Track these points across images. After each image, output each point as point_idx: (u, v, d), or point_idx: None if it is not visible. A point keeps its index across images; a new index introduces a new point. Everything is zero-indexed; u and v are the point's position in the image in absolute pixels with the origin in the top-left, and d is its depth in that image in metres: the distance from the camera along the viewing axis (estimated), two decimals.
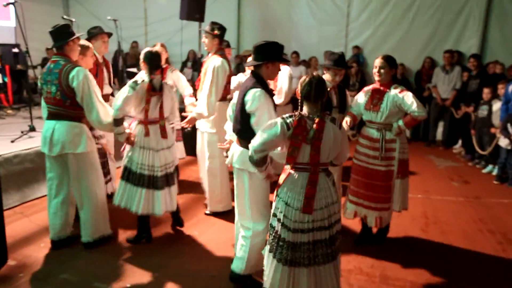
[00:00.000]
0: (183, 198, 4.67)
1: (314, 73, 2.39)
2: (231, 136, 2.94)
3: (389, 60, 3.40)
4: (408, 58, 8.04)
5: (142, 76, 3.39)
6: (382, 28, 8.24)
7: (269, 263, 2.40)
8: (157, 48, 4.62)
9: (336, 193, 2.41)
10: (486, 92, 6.06)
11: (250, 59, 2.99)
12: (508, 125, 5.27)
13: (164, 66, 4.71)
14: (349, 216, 3.59)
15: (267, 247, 2.45)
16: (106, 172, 3.97)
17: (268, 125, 2.33)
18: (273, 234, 2.39)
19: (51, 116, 3.22)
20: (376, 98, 3.43)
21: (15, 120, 6.23)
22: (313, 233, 2.31)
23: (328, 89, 3.27)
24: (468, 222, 4.26)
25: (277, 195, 2.40)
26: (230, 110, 2.94)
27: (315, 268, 2.31)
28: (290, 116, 2.32)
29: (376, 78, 3.45)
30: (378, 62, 3.42)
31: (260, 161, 2.38)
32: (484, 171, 6.02)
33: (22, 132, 5.00)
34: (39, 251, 3.34)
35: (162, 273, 3.09)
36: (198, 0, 7.75)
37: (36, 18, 8.25)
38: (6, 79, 7.21)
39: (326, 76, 3.56)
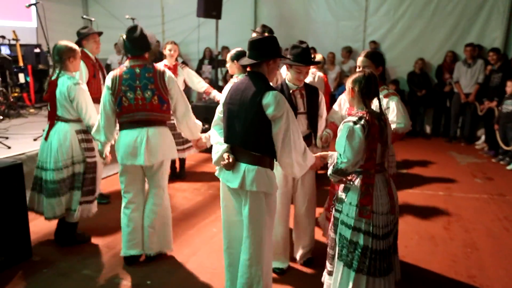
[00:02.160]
0: (202, 195, 4.70)
1: (366, 70, 2.37)
2: (224, 150, 2.37)
3: (373, 58, 2.97)
4: (428, 52, 7.87)
5: None
6: (401, 22, 8.06)
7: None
8: (169, 46, 4.83)
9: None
10: (509, 86, 5.88)
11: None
12: None
13: (174, 63, 4.84)
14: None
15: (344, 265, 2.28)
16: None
17: (345, 133, 2.18)
18: (358, 250, 2.23)
19: (139, 124, 2.98)
20: None
21: (37, 118, 6.36)
22: (390, 238, 2.35)
23: (291, 91, 2.94)
24: (493, 220, 4.15)
25: (359, 206, 2.23)
26: (218, 118, 2.54)
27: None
28: (359, 117, 2.21)
29: None
30: (360, 60, 2.98)
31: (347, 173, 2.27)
32: (509, 167, 5.84)
33: (43, 130, 5.09)
34: (61, 248, 3.40)
35: (181, 270, 3.11)
36: None
37: (57, 18, 8.39)
38: (28, 79, 7.38)
39: (288, 75, 3.00)
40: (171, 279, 2.98)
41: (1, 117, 6.13)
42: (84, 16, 6.71)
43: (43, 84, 7.86)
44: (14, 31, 7.46)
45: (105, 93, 3.00)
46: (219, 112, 2.53)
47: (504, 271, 3.17)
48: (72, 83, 3.15)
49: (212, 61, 8.80)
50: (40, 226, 3.73)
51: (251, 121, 2.24)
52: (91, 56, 4.06)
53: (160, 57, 9.32)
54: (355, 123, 2.17)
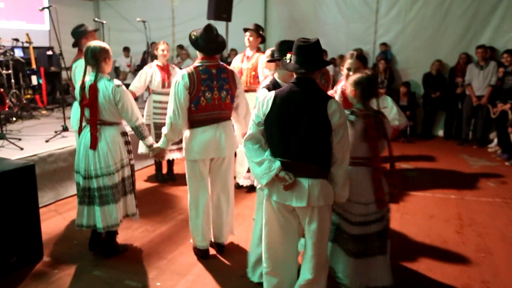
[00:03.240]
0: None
1: (368, 71, 2.51)
2: (279, 169, 2.17)
3: (362, 59, 3.09)
4: (441, 54, 7.78)
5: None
6: (412, 24, 7.99)
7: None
8: (161, 46, 4.88)
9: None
10: None
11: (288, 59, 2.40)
12: None
13: (165, 63, 4.93)
14: None
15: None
16: None
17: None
18: (334, 228, 2.56)
19: (215, 121, 3.09)
20: (346, 103, 2.94)
21: (49, 120, 6.44)
22: (376, 224, 2.54)
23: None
24: (507, 224, 4.07)
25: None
26: (256, 131, 2.29)
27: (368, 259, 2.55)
28: (351, 111, 2.47)
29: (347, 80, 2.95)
30: (349, 62, 3.06)
31: None
32: None
33: (55, 132, 5.16)
34: (72, 249, 3.42)
35: (192, 272, 3.10)
36: (225, 0, 7.77)
37: (69, 21, 8.42)
38: (40, 81, 7.48)
39: (278, 73, 2.97)
40: (181, 281, 2.98)
41: (14, 119, 6.22)
42: (96, 19, 6.79)
43: (55, 86, 7.97)
44: (27, 34, 7.58)
45: (182, 92, 2.96)
46: (256, 124, 2.27)
47: None
48: (115, 85, 3.03)
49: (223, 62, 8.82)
50: (51, 227, 3.77)
51: (315, 132, 2.13)
52: None
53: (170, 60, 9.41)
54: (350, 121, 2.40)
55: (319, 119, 2.12)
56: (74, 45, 3.91)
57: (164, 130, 3.11)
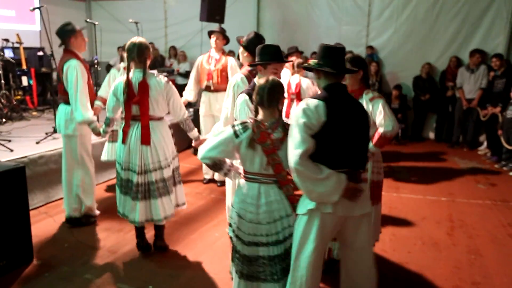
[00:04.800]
0: (204, 199, 4.68)
1: (271, 77, 2.27)
2: (345, 180, 2.03)
3: (354, 62, 2.83)
4: (431, 57, 7.86)
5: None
6: (404, 27, 8.07)
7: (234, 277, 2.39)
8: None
9: (290, 206, 2.27)
10: None
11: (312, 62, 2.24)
12: None
13: None
14: None
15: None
16: None
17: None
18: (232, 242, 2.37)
19: None
20: None
21: (39, 121, 6.38)
22: (269, 248, 2.23)
23: None
24: (497, 226, 4.12)
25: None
26: (310, 144, 2.01)
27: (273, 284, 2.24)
28: (242, 124, 2.25)
29: None
30: None
31: None
32: None
33: (46, 133, 5.11)
34: (63, 251, 3.39)
35: (183, 274, 3.09)
36: (218, 2, 7.76)
37: (60, 21, 8.33)
38: (31, 82, 7.41)
39: (257, 79, 2.79)
40: (173, 284, 2.96)
41: (4, 120, 6.15)
42: (88, 20, 6.75)
43: (46, 87, 7.89)
44: (17, 34, 7.50)
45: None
46: (309, 136, 2.01)
47: (509, 279, 3.14)
48: (165, 81, 3.13)
49: None
50: (42, 230, 3.73)
51: (367, 138, 2.24)
52: (79, 55, 3.75)
53: (162, 61, 9.36)
54: (233, 126, 2.26)
55: (367, 125, 2.20)
56: (61, 45, 3.73)
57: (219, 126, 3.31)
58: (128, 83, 3.03)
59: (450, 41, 7.76)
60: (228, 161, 2.40)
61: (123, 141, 3.13)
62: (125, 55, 4.63)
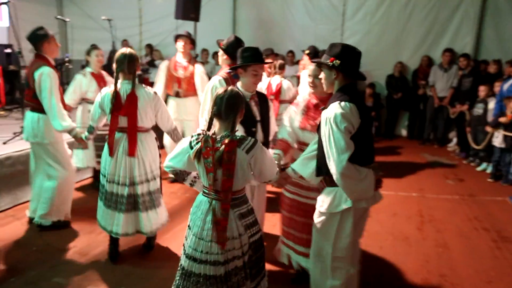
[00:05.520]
0: (179, 199, 4.65)
1: (230, 87, 2.15)
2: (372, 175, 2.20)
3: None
4: (404, 56, 8.05)
5: None
6: (377, 27, 8.22)
7: None
8: (96, 51, 4.58)
9: (242, 226, 2.14)
10: (482, 90, 6.06)
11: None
12: (501, 123, 5.27)
13: (99, 71, 4.68)
14: (283, 260, 3.04)
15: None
16: None
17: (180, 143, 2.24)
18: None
19: None
20: (311, 115, 2.76)
21: (7, 121, 6.16)
22: (207, 266, 2.10)
23: (248, 99, 2.83)
24: (463, 220, 4.26)
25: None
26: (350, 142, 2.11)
27: None
28: (197, 135, 2.14)
29: (311, 90, 2.82)
30: (312, 69, 2.75)
31: None
32: (479, 169, 6.03)
33: (14, 133, 4.95)
34: (30, 255, 3.29)
35: (157, 275, 3.06)
36: (193, 0, 7.70)
37: (30, 18, 8.16)
38: None
39: (244, 80, 2.84)
40: (146, 285, 2.93)
41: None
42: (58, 17, 6.58)
43: (14, 86, 7.64)
44: None
45: None
46: (349, 138, 2.10)
47: (473, 270, 3.26)
48: (153, 92, 3.14)
49: None
50: (8, 233, 3.62)
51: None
52: (51, 60, 3.60)
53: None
54: (191, 137, 2.16)
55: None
56: (34, 50, 3.55)
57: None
58: (116, 94, 3.00)
59: (421, 41, 7.96)
60: (193, 172, 2.32)
61: (111, 154, 3.09)
62: (91, 59, 4.53)
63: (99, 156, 4.21)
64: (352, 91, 2.19)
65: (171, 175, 4.65)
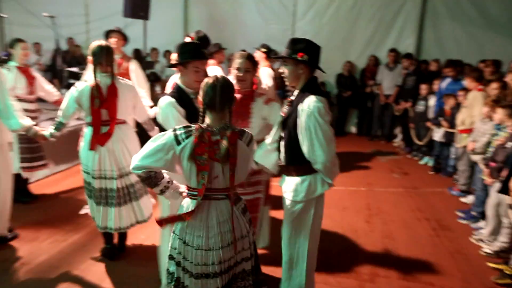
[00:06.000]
0: None
1: (219, 75, 1.98)
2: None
3: (253, 60, 2.84)
4: (352, 56, 8.34)
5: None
6: (327, 27, 8.46)
7: None
8: (21, 44, 4.12)
9: (248, 223, 2.03)
10: (423, 88, 6.42)
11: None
12: (440, 118, 5.63)
13: (25, 64, 4.32)
14: None
15: None
16: None
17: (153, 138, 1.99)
18: (173, 282, 1.95)
19: None
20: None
21: None
22: (222, 277, 1.89)
23: (194, 96, 2.62)
24: (407, 211, 4.51)
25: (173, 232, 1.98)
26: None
27: None
28: (185, 127, 1.92)
29: (238, 85, 2.79)
30: (239, 62, 2.77)
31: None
32: (421, 162, 6.40)
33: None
34: None
35: (109, 278, 2.98)
36: None
37: None
38: None
39: (184, 78, 2.60)
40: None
41: None
42: None
43: None
44: None
45: None
46: None
47: (416, 258, 3.48)
48: (131, 84, 3.20)
49: (140, 63, 8.53)
50: None
51: None
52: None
53: (83, 59, 8.85)
54: (174, 130, 1.91)
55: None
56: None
57: None
58: (96, 87, 2.96)
59: (368, 41, 8.29)
60: (166, 176, 2.05)
61: (93, 148, 3.01)
62: (15, 52, 4.09)
63: (25, 160, 4.08)
64: (318, 85, 2.35)
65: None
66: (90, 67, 4.54)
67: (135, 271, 3.12)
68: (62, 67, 6.99)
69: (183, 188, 2.07)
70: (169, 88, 3.41)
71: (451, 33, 7.71)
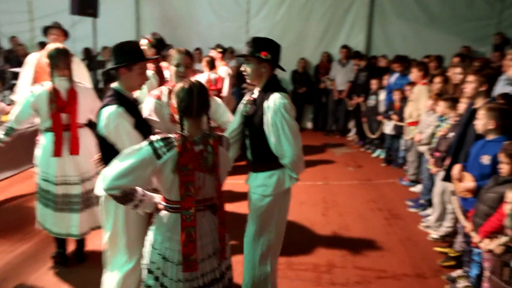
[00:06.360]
0: None
1: (192, 79, 1.92)
2: None
3: (191, 55, 2.81)
4: (306, 53, 8.50)
5: None
6: (280, 25, 8.57)
7: None
8: None
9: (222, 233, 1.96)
10: (373, 83, 6.68)
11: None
12: (391, 112, 5.88)
13: None
14: None
15: None
16: None
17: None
18: None
19: None
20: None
21: None
22: None
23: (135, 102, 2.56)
24: (362, 202, 4.69)
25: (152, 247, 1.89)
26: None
27: None
28: (163, 140, 1.80)
29: (174, 80, 2.72)
30: (179, 58, 2.68)
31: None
32: (374, 155, 6.66)
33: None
34: None
35: (65, 285, 2.87)
36: None
37: None
38: None
39: (127, 82, 2.37)
40: None
41: None
42: None
43: None
44: None
45: None
46: None
47: (369, 247, 3.64)
48: (88, 87, 3.16)
49: (91, 63, 8.23)
50: None
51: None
52: None
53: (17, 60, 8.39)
54: (151, 143, 1.80)
55: None
56: None
57: None
58: (54, 91, 2.90)
59: (321, 38, 8.49)
60: (139, 189, 1.90)
61: (58, 154, 2.93)
62: None
63: None
64: (279, 83, 2.43)
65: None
66: (26, 73, 4.30)
67: (92, 276, 3.02)
68: (4, 67, 6.60)
69: (158, 199, 1.96)
70: None
71: (398, 30, 8.08)
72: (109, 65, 2.43)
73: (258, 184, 2.45)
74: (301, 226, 4.03)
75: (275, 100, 2.31)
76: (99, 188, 2.22)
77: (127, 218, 2.27)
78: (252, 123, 2.43)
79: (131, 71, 2.32)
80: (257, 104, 2.40)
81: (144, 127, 2.33)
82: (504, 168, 2.47)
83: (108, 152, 2.22)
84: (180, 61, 2.69)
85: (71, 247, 3.29)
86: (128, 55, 2.31)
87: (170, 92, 2.74)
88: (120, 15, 8.58)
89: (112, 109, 2.20)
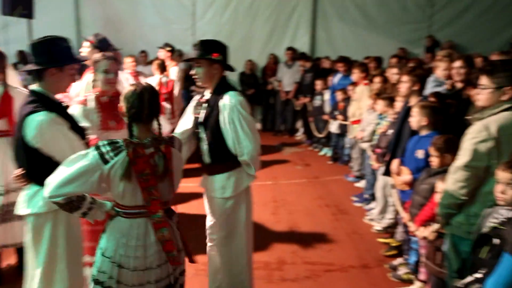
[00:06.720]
0: None
1: (143, 82, 1.89)
2: None
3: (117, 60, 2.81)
4: (253, 55, 8.58)
5: None
6: (227, 27, 8.60)
7: None
8: None
9: (180, 238, 1.95)
10: (318, 84, 6.90)
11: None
12: (335, 112, 6.11)
13: None
14: None
15: None
16: None
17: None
18: None
19: None
20: (111, 113, 2.70)
21: None
22: None
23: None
24: (310, 200, 4.83)
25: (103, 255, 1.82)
26: None
27: None
28: (110, 144, 1.74)
29: (107, 88, 2.73)
30: (107, 64, 2.67)
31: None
32: (321, 153, 6.88)
33: None
34: None
35: None
36: None
37: None
38: None
39: (55, 83, 2.17)
40: None
41: None
42: None
43: None
44: None
45: None
46: None
47: (318, 242, 3.76)
48: (24, 92, 2.83)
49: (26, 65, 7.76)
50: None
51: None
52: None
53: None
54: (97, 148, 1.74)
55: None
56: None
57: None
58: None
59: (267, 40, 8.64)
60: (88, 196, 1.83)
61: None
62: None
63: None
64: (230, 83, 2.50)
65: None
66: None
67: None
68: None
69: (109, 206, 1.89)
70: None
71: (340, 33, 8.42)
72: (31, 65, 2.12)
73: (216, 187, 2.45)
74: (253, 225, 4.07)
75: (230, 98, 2.35)
76: (22, 206, 2.06)
77: (68, 235, 2.09)
78: (208, 124, 2.43)
79: (63, 72, 2.11)
80: (212, 105, 2.41)
81: (79, 131, 2.17)
82: (434, 161, 2.67)
83: (39, 165, 2.00)
84: (108, 67, 2.67)
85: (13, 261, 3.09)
86: (60, 54, 2.10)
87: (97, 98, 2.74)
88: (58, 16, 8.18)
89: (42, 116, 1.96)
